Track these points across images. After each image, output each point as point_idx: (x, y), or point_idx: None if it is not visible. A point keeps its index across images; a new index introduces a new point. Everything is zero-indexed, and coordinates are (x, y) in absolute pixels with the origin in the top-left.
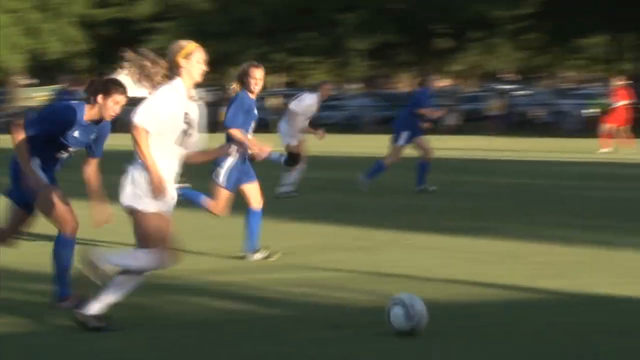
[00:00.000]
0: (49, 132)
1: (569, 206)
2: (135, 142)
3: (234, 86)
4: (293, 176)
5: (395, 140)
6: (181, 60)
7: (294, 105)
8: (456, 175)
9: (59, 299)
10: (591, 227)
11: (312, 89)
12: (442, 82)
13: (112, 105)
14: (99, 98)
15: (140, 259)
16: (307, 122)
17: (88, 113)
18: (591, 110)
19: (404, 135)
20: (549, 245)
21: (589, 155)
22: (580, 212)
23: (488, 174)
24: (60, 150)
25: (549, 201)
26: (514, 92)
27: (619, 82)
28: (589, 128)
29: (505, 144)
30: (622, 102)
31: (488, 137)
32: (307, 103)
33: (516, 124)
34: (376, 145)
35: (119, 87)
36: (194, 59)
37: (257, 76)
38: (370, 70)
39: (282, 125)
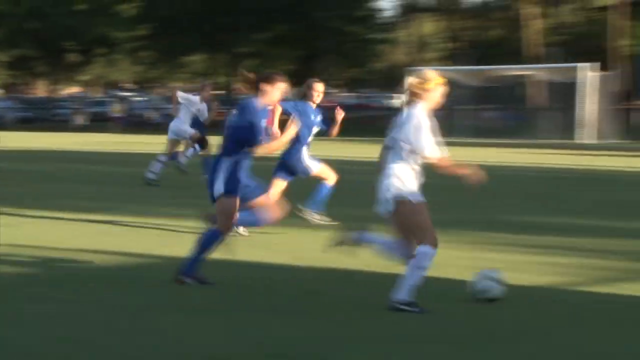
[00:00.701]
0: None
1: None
2: (442, 167)
3: None
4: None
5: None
6: (430, 89)
7: None
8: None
9: (183, 273)
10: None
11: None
12: (73, 89)
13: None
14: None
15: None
16: None
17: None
18: None
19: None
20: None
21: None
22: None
23: (110, 163)
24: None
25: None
26: (132, 98)
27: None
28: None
29: (125, 139)
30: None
31: (112, 134)
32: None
33: (135, 123)
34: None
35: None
36: (439, 90)
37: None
38: (11, 78)
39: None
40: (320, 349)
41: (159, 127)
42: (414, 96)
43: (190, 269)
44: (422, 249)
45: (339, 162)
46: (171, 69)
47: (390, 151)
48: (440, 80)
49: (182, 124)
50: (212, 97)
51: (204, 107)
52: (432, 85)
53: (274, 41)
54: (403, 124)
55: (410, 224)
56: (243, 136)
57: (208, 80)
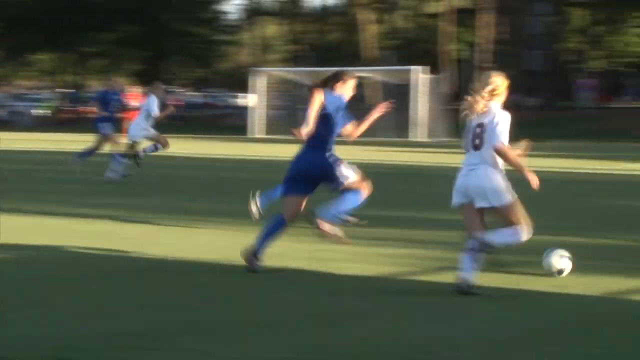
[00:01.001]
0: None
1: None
2: (506, 155)
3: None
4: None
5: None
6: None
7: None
8: None
9: (254, 254)
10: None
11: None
12: None
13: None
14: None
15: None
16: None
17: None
18: (41, 111)
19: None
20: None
21: (41, 145)
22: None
23: None
24: None
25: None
26: None
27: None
28: (40, 124)
29: None
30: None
31: None
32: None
33: None
34: None
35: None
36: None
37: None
38: None
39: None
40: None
41: (5, 125)
42: (494, 96)
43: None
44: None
45: (189, 159)
46: (18, 67)
47: (474, 150)
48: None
49: (141, 125)
50: (165, 94)
51: (152, 103)
52: (505, 86)
53: (120, 42)
54: (497, 121)
55: (508, 214)
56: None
57: (56, 77)
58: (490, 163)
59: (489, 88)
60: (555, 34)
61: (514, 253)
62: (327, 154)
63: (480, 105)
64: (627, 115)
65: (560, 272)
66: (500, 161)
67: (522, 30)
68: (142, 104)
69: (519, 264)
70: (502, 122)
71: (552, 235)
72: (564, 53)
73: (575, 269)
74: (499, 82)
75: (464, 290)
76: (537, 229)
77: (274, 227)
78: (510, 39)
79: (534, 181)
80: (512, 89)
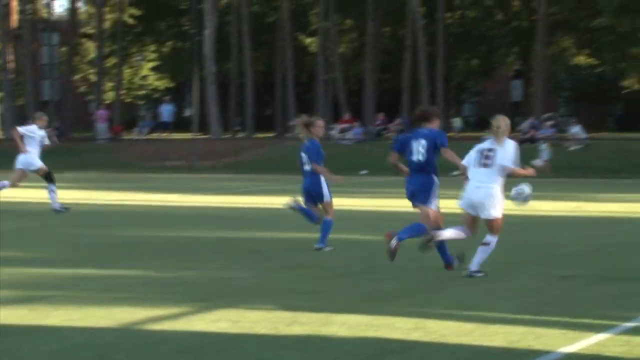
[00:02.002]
0: None
1: None
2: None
3: None
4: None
5: None
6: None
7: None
8: None
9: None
10: None
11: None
12: None
13: None
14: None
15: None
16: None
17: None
18: None
19: None
20: None
21: None
22: None
23: None
24: None
25: None
26: None
27: None
28: None
29: None
30: None
31: None
32: None
33: None
34: None
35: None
36: None
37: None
38: None
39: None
40: None
41: None
42: (504, 133)
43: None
44: (494, 239)
45: None
46: None
47: (483, 167)
48: None
49: (31, 156)
50: (47, 124)
51: (44, 133)
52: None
53: None
54: (507, 151)
55: (498, 226)
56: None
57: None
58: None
59: None
60: (69, 64)
61: (37, 289)
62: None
63: None
64: (140, 146)
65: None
66: None
67: (35, 59)
68: None
69: (40, 299)
70: None
71: (57, 268)
72: (79, 84)
73: (94, 302)
74: None
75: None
76: (39, 262)
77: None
78: (22, 68)
79: None
80: (24, 120)
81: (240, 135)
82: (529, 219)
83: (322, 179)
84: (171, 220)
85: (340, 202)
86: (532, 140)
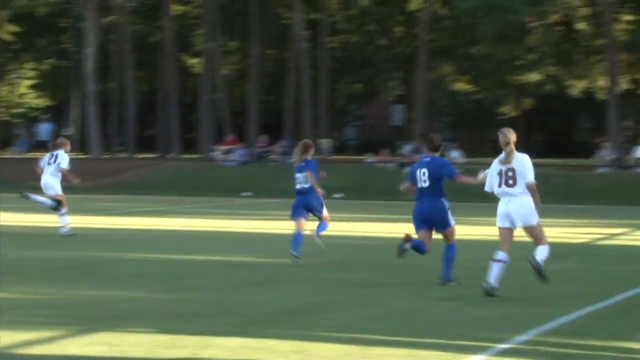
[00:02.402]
0: None
1: None
2: (535, 191)
3: None
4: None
5: None
6: None
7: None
8: None
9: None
10: None
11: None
12: None
13: None
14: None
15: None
16: None
17: None
18: None
19: None
20: None
21: None
22: None
23: None
24: None
25: None
26: None
27: None
28: None
29: None
30: None
31: None
32: None
33: None
34: None
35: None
36: None
37: None
38: None
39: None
40: None
41: None
42: (514, 145)
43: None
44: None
45: None
46: None
47: (507, 186)
48: None
49: None
50: None
51: None
52: None
53: None
54: (525, 165)
55: (537, 234)
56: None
57: None
58: None
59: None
60: None
61: None
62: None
63: None
64: (17, 165)
65: None
66: None
67: None
68: None
69: None
70: None
71: None
72: None
73: None
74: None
75: (490, 293)
76: None
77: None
78: None
79: None
80: None
81: (121, 155)
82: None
83: (320, 195)
84: (49, 241)
85: (223, 224)
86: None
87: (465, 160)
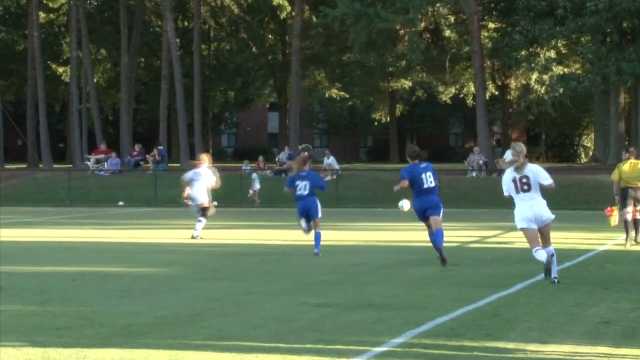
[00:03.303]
0: None
1: None
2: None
3: None
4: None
5: None
6: None
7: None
8: None
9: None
10: None
11: None
12: None
13: None
14: None
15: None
16: None
17: None
18: None
19: None
20: None
21: None
22: None
23: None
24: None
25: None
26: None
27: None
28: None
29: None
30: None
31: None
32: None
33: None
34: None
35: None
36: None
37: None
38: None
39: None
40: None
41: None
42: (525, 157)
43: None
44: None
45: None
46: None
47: (524, 192)
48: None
49: None
50: None
51: None
52: None
53: None
54: (537, 173)
55: (548, 232)
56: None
57: None
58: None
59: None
60: None
61: None
62: None
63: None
64: None
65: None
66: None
67: None
68: None
69: None
70: None
71: None
72: None
73: None
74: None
75: (557, 281)
76: None
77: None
78: None
79: None
80: None
81: None
82: (282, 248)
83: (317, 200)
84: None
85: (96, 235)
86: (288, 171)
87: (338, 166)
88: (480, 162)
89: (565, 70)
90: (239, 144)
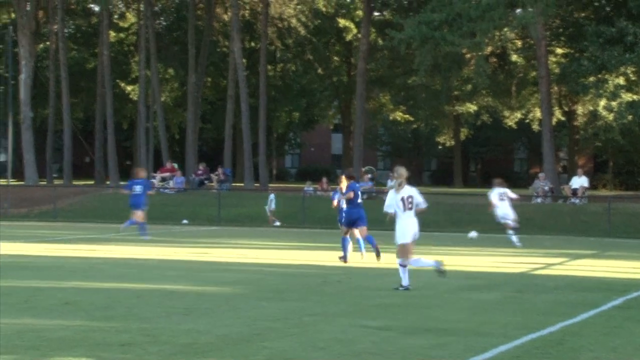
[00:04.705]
0: None
1: None
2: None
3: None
4: None
5: None
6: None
7: None
8: None
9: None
10: None
11: None
12: None
13: None
14: None
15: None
16: None
17: None
18: None
19: None
20: None
21: None
22: None
23: None
24: None
25: None
26: None
27: None
28: None
29: None
30: None
31: None
32: None
33: None
34: None
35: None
36: None
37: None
38: None
39: None
40: None
41: None
42: (405, 179)
43: None
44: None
45: None
46: None
47: (409, 210)
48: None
49: None
50: None
51: None
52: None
53: None
54: (414, 194)
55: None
56: None
57: None
58: None
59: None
60: None
61: None
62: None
63: None
64: None
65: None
66: None
67: None
68: None
69: None
70: None
71: None
72: None
73: None
74: None
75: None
76: None
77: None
78: None
79: None
80: None
81: (57, 182)
82: (344, 270)
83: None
84: None
85: (160, 252)
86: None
87: None
88: (546, 188)
89: (634, 97)
90: (302, 165)
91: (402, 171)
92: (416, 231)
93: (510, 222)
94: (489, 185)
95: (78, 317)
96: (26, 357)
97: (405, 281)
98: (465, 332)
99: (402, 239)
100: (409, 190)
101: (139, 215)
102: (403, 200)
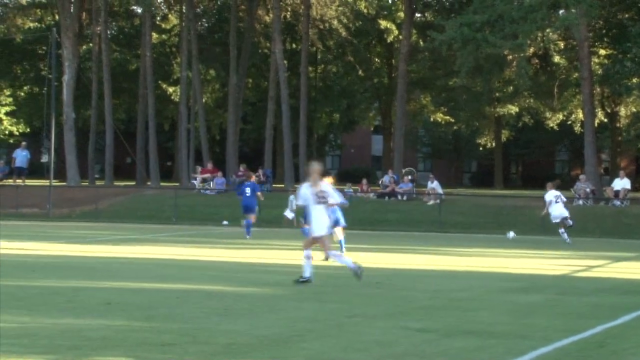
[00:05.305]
0: None
1: None
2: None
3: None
4: None
5: None
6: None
7: None
8: None
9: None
10: None
11: None
12: None
13: None
14: None
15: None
16: None
17: None
18: None
19: None
20: None
21: None
22: None
23: None
24: None
25: None
26: None
27: None
28: None
29: None
30: None
31: None
32: None
33: None
34: None
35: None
36: None
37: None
38: None
39: None
40: None
41: None
42: (319, 175)
43: None
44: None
45: None
46: None
47: (321, 204)
48: None
49: None
50: None
51: None
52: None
53: None
54: (327, 190)
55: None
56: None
57: None
58: None
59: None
60: None
61: None
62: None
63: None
64: None
65: None
66: None
67: None
68: None
69: None
70: None
71: None
72: None
73: None
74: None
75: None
76: None
77: None
78: None
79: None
80: None
81: (99, 183)
82: (384, 271)
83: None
84: (24, 269)
85: (201, 253)
86: (392, 194)
87: (442, 191)
88: (588, 190)
89: None
90: (342, 166)
91: (315, 167)
92: (329, 223)
93: (568, 221)
94: (530, 186)
95: (119, 317)
96: (67, 357)
97: (307, 272)
98: (506, 335)
99: (318, 232)
100: (323, 186)
101: (253, 216)
102: (316, 195)
